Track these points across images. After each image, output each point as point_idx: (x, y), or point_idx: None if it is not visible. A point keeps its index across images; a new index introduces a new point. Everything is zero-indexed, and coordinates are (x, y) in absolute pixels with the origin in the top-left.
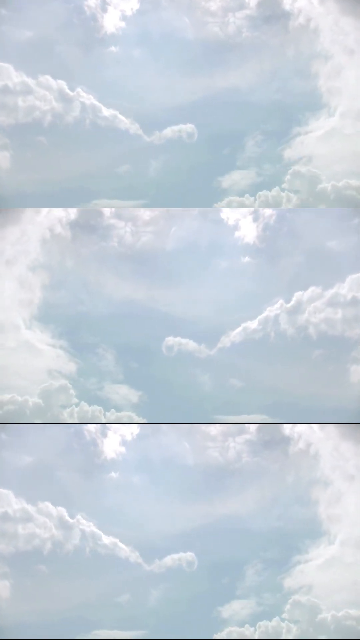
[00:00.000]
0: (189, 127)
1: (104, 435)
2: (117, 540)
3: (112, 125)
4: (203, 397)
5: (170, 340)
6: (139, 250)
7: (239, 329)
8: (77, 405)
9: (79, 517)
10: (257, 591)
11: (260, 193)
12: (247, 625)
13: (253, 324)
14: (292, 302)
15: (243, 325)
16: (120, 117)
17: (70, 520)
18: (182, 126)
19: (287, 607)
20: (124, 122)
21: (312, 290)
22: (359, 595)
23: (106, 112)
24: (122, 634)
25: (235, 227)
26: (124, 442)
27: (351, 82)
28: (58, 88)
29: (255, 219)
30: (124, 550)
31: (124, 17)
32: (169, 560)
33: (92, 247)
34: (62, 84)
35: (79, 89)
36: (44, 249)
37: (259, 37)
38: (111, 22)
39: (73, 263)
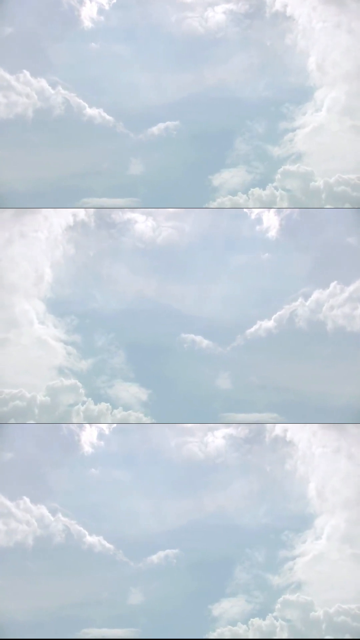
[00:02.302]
0: (176, 124)
1: (82, 428)
2: (100, 538)
3: (96, 124)
4: (215, 396)
5: (184, 337)
6: (156, 245)
7: (255, 327)
8: (83, 403)
9: (60, 514)
10: (247, 589)
11: (252, 190)
12: (239, 623)
13: (269, 322)
14: (311, 299)
15: (259, 322)
16: (104, 114)
17: (52, 518)
18: (169, 123)
19: (278, 605)
20: (109, 120)
21: (333, 286)
22: (349, 591)
23: (90, 110)
24: (111, 632)
25: (257, 222)
26: (102, 436)
27: (338, 74)
28: (39, 85)
29: (277, 213)
30: (109, 548)
31: (102, 11)
32: (156, 558)
33: (110, 242)
34: (43, 80)
35: (59, 87)
36: (61, 244)
37: (240, 32)
38: (90, 16)
39: (88, 258)
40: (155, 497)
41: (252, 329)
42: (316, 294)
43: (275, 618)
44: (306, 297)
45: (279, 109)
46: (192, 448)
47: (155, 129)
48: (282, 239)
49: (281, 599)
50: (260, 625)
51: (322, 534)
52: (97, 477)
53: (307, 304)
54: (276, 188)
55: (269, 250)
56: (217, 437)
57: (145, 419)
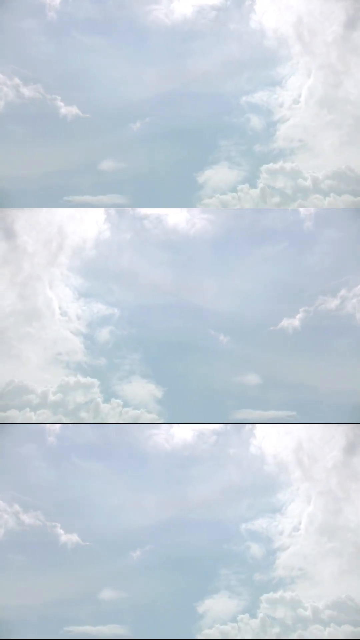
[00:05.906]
0: (155, 120)
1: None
2: (78, 535)
3: (75, 121)
4: (234, 393)
5: (204, 335)
6: (189, 239)
7: (281, 323)
8: (91, 401)
9: (41, 511)
10: (232, 586)
11: (241, 187)
12: (228, 621)
13: (295, 321)
14: (339, 295)
15: (285, 320)
16: (78, 112)
17: (29, 515)
18: (148, 120)
19: (264, 603)
20: (87, 117)
21: None
22: (337, 585)
23: (65, 108)
24: (95, 630)
25: (287, 217)
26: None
27: (321, 66)
28: (12, 83)
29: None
30: (89, 545)
31: (66, 2)
32: (135, 556)
33: (142, 234)
34: (16, 78)
35: (31, 84)
36: (87, 239)
37: (208, 23)
38: (54, 7)
39: (108, 253)
40: (128, 489)
41: (277, 326)
42: (344, 291)
43: (267, 616)
44: (334, 293)
45: (253, 101)
46: (158, 440)
47: (134, 126)
48: (311, 234)
49: (267, 596)
50: (248, 621)
51: (299, 524)
52: (75, 471)
53: (334, 301)
54: (269, 187)
55: (297, 245)
56: (183, 429)
57: (158, 419)
